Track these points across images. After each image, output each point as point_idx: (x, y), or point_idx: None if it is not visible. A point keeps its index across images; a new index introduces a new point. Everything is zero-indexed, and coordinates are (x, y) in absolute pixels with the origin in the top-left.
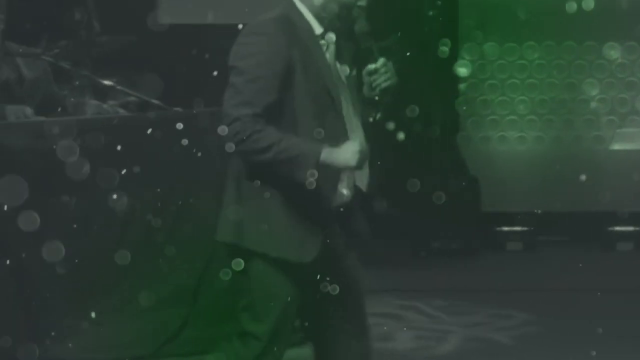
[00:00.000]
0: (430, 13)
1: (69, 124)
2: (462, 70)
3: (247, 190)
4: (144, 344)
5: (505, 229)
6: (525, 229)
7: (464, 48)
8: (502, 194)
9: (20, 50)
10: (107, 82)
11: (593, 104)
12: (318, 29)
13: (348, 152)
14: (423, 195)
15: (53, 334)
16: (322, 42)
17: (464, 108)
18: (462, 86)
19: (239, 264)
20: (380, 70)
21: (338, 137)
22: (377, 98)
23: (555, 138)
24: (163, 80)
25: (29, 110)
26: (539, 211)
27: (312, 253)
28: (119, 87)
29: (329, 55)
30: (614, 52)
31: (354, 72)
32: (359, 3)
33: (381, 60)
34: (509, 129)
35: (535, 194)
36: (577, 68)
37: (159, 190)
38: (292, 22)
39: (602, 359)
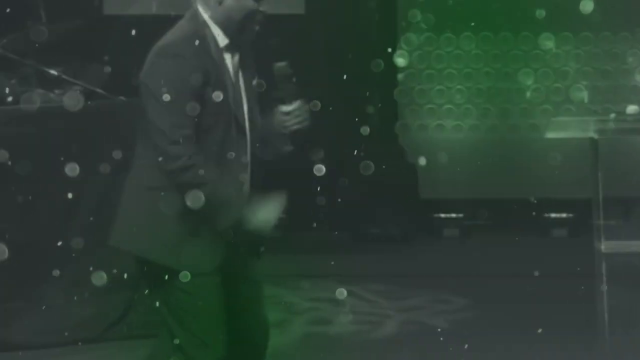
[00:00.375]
0: (371, 4)
1: (14, 113)
2: (401, 61)
3: (148, 197)
4: (92, 326)
5: (442, 215)
6: (461, 215)
7: (402, 38)
8: (439, 181)
9: None
10: (53, 72)
11: (528, 93)
12: (223, 41)
13: (265, 217)
14: (362, 183)
15: (3, 316)
16: (227, 54)
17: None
18: (400, 76)
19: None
20: (294, 113)
21: (239, 155)
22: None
23: (491, 126)
24: (108, 70)
25: None
26: (474, 198)
27: (212, 264)
28: (64, 77)
29: (232, 68)
30: (549, 42)
31: (256, 84)
32: (260, 9)
33: (297, 103)
34: (446, 118)
35: (471, 181)
36: (513, 58)
37: (101, 176)
38: (202, 37)
39: (536, 342)
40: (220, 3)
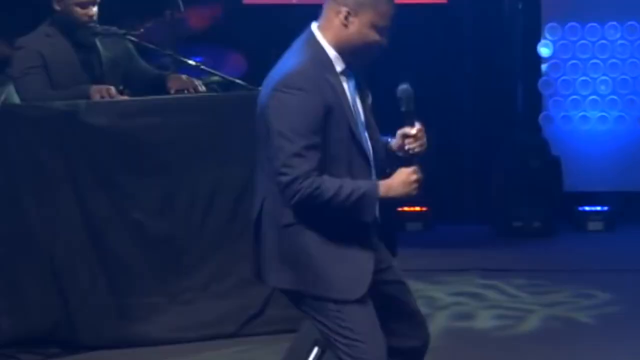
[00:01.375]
0: None
1: (152, 103)
2: (545, 51)
3: (286, 234)
4: (229, 322)
5: (587, 208)
6: (605, 208)
7: (546, 28)
8: (583, 173)
9: (105, 30)
10: (190, 62)
11: None
12: (340, 66)
13: (404, 182)
14: (506, 175)
15: (141, 312)
16: (342, 77)
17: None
18: (544, 66)
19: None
20: (417, 135)
21: (364, 174)
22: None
23: (637, 118)
24: (246, 61)
25: (113, 90)
26: (619, 191)
27: (364, 288)
28: (202, 67)
29: (349, 92)
30: None
31: (369, 104)
32: (382, 42)
33: (418, 126)
34: (591, 109)
35: (617, 173)
36: None
37: (239, 170)
38: (320, 63)
39: None
40: (345, 26)
